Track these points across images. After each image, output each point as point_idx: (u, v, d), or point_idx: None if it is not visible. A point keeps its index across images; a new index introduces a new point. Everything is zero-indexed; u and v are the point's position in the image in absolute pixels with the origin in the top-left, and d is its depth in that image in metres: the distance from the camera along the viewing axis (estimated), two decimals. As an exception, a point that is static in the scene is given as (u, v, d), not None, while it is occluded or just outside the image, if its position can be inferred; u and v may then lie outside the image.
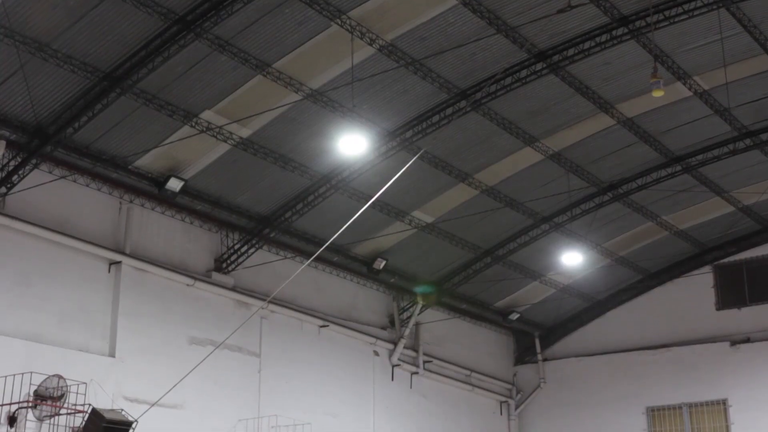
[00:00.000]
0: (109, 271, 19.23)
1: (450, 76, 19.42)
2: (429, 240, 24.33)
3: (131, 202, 19.87)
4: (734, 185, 24.71)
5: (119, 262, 19.33)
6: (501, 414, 29.26)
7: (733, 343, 26.86)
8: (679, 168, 23.21)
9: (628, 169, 23.48)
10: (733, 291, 27.51)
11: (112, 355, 18.82)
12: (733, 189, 24.86)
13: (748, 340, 26.68)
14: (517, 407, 29.47)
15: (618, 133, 21.98)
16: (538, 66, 19.26)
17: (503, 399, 29.36)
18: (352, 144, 18.83)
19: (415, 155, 18.54)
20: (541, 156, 22.33)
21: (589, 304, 29.19)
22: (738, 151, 22.51)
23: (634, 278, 28.58)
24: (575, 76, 19.95)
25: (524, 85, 19.53)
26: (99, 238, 19.15)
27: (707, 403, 27.02)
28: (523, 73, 19.31)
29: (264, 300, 20.89)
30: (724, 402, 26.73)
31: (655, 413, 27.69)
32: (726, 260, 27.81)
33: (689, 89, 20.58)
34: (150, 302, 19.79)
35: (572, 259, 25.23)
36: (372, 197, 17.98)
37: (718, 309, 27.59)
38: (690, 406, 27.24)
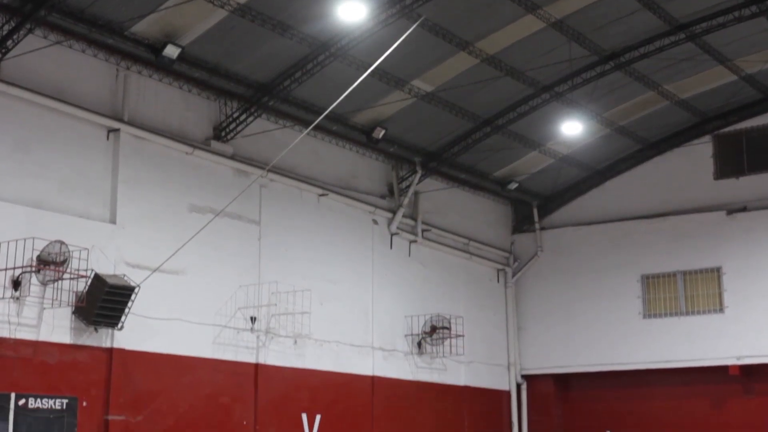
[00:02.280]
0: (107, 139, 19.17)
1: (451, -61, 19.00)
2: (428, 109, 24.20)
3: (128, 69, 19.65)
4: (738, 53, 24.41)
5: (117, 130, 19.26)
6: (498, 282, 29.73)
7: (730, 212, 27.04)
8: (682, 36, 22.87)
9: (630, 38, 23.15)
10: (732, 160, 27.54)
11: (112, 221, 18.95)
12: (737, 57, 24.58)
13: (744, 209, 26.85)
14: (514, 275, 29.91)
15: (622, -1, 21.62)
16: (542, -71, 18.80)
17: (500, 267, 29.77)
18: (351, 11, 18.54)
19: (415, 23, 18.27)
20: (542, 24, 21.98)
21: (588, 174, 29.29)
22: (743, 18, 22.13)
23: (633, 148, 28.58)
24: (579, -60, 19.51)
25: (527, -51, 19.12)
26: (96, 106, 19.02)
27: (701, 271, 27.42)
28: (526, -64, 18.87)
29: (263, 168, 20.96)
30: (718, 270, 27.11)
31: (649, 280, 28.13)
32: (726, 130, 27.75)
33: (696, -46, 20.17)
34: (149, 170, 19.82)
35: (572, 129, 25.20)
36: (371, 65, 17.80)
37: (716, 178, 27.67)
38: (684, 273, 27.64)
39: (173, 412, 19.53)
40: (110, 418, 18.21)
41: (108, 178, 19.10)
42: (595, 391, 28.71)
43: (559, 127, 25.22)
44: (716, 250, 27.10)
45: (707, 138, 27.94)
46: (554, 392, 29.24)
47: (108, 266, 18.37)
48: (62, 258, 17.18)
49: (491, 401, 28.69)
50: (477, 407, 27.92)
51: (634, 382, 28.05)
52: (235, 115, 21.46)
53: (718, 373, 26.57)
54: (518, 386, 29.44)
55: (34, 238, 16.94)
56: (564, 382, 29.34)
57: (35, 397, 17.02)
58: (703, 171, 27.82)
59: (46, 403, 17.17)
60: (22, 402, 16.80)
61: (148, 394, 19.12)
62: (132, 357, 18.79)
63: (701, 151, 27.95)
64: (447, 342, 26.27)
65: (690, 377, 27.18)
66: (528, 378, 29.50)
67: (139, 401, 18.88)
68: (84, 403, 17.84)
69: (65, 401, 17.49)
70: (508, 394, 29.29)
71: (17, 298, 16.96)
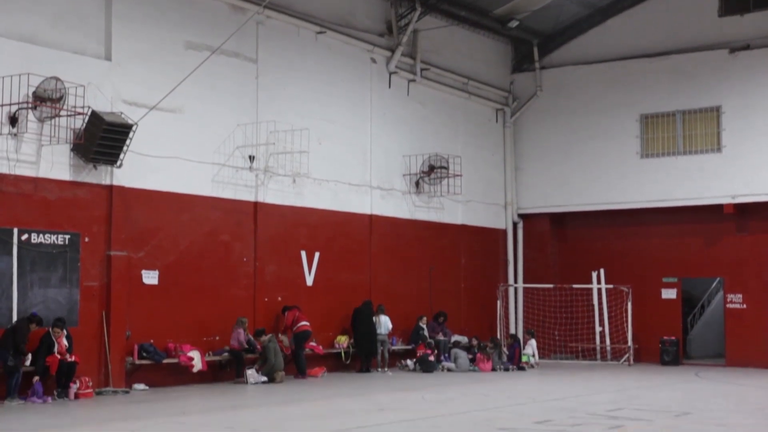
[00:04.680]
0: (99, -27, 18.76)
1: None
2: (428, -57, 23.59)
3: None
4: None
5: (109, -37, 18.83)
6: (497, 121, 29.65)
7: (732, 50, 26.68)
8: None
9: None
10: (738, -3, 27.00)
11: (108, 58, 18.69)
12: None
13: (747, 47, 26.46)
14: (512, 115, 29.80)
15: None
16: None
17: (499, 107, 29.63)
18: None
19: None
20: None
21: (590, 12, 28.75)
22: None
23: (637, -15, 27.99)
24: None
25: None
26: (87, -62, 18.52)
27: (700, 110, 27.29)
28: None
29: (259, 5, 20.55)
30: (718, 109, 26.96)
31: (648, 120, 28.05)
32: (733, -35, 27.11)
33: None
34: (143, 6, 19.41)
35: (575, -36, 24.61)
36: None
37: (720, 15, 27.09)
38: (683, 113, 27.54)
39: (174, 249, 19.84)
40: (112, 253, 18.49)
41: (102, 15, 18.72)
42: (590, 230, 29.07)
43: (562, -38, 24.62)
44: (716, 90, 26.89)
45: (713, -26, 27.31)
46: (550, 231, 29.61)
47: (105, 104, 18.26)
48: (58, 95, 17.06)
49: (488, 239, 29.07)
50: (474, 245, 28.32)
51: (629, 221, 28.37)
52: (229, -51, 20.91)
53: (714, 211, 26.82)
54: (515, 225, 29.78)
55: (29, 74, 16.77)
56: (560, 221, 29.66)
57: (38, 233, 17.25)
58: (707, 8, 27.25)
59: (49, 239, 17.41)
60: (24, 237, 17.04)
61: (149, 230, 19.37)
62: (132, 194, 18.93)
63: (706, -12, 27.37)
64: (445, 181, 26.41)
65: (685, 216, 27.47)
66: (524, 217, 29.80)
67: (141, 237, 19.15)
68: (86, 239, 18.10)
69: (67, 237, 17.73)
70: (504, 232, 29.66)
71: (15, 135, 16.93)
